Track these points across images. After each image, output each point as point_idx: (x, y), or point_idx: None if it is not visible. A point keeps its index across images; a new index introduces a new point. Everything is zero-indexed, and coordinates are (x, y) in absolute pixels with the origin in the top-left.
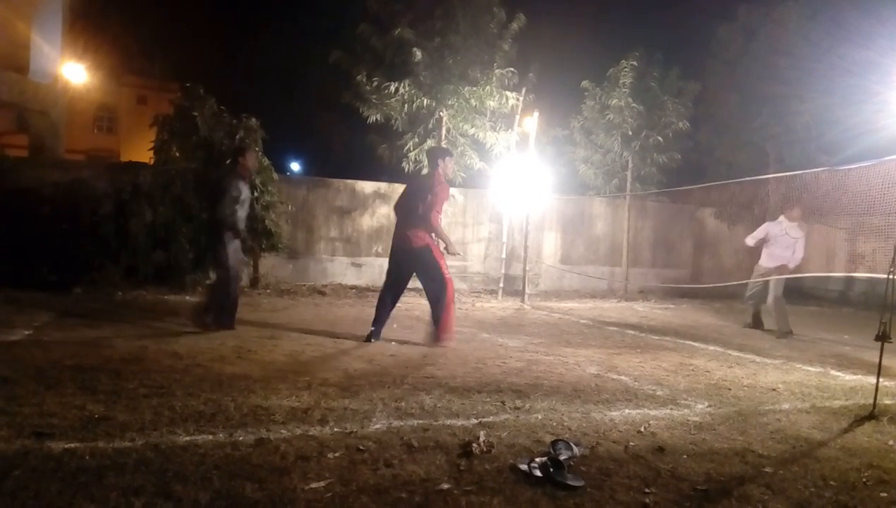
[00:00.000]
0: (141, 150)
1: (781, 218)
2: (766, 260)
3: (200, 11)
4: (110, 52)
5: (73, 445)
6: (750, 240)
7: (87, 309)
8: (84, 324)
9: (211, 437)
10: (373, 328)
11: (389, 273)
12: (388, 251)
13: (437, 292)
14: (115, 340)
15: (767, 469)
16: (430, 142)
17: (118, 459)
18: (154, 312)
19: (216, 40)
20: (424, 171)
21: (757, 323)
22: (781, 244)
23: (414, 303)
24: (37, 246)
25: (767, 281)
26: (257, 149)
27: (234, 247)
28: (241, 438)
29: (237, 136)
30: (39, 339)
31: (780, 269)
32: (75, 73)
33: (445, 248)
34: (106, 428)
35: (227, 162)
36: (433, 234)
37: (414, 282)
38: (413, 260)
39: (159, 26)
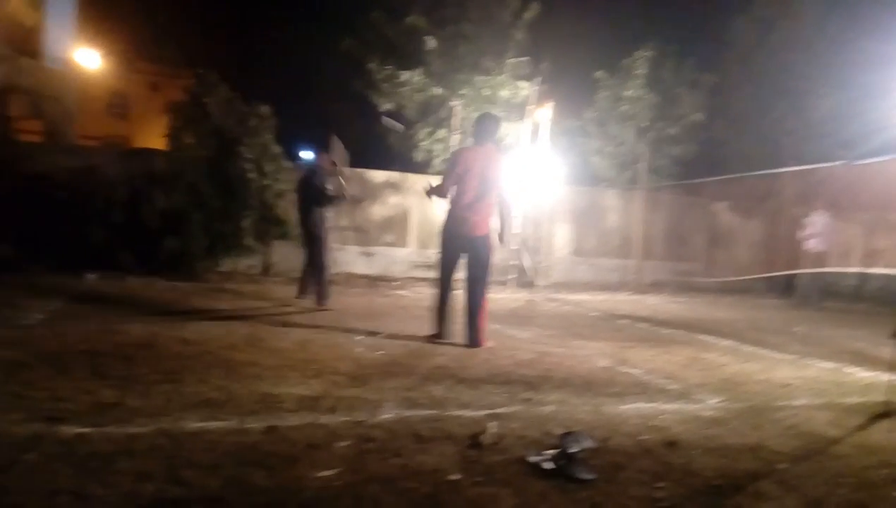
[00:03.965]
0: (153, 137)
1: (814, 212)
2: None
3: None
4: (123, 39)
5: (85, 430)
6: (804, 237)
7: (100, 294)
8: (97, 310)
9: (221, 424)
10: (438, 328)
11: (446, 263)
12: (406, 240)
13: (483, 289)
14: (128, 326)
15: (781, 466)
16: (441, 132)
17: (129, 444)
18: (166, 298)
19: (229, 28)
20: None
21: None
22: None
23: (424, 294)
24: (51, 231)
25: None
26: (269, 136)
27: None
28: (251, 425)
29: (249, 123)
30: (52, 324)
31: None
32: (88, 58)
33: (500, 236)
34: (117, 414)
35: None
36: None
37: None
38: (471, 249)
39: (172, 12)
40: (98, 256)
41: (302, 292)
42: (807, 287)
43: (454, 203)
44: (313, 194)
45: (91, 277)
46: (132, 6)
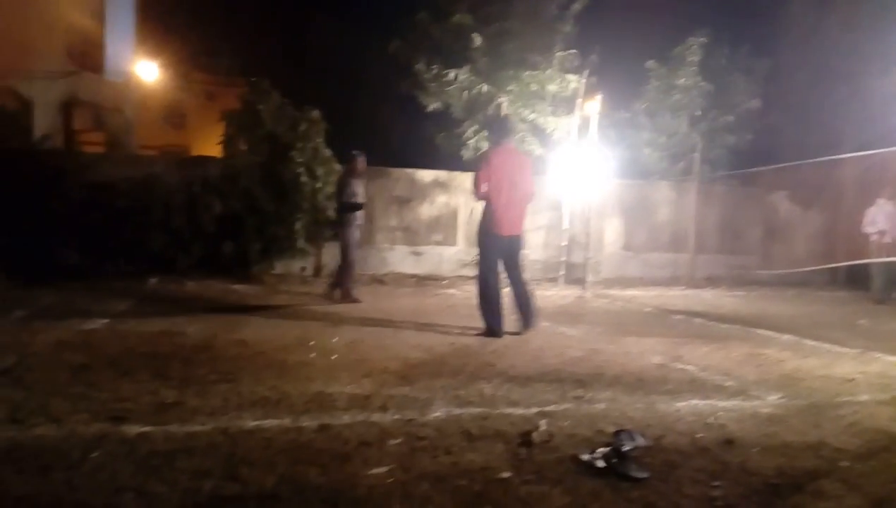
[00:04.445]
0: (210, 145)
1: (880, 200)
2: (879, 240)
3: (264, 7)
4: (179, 50)
5: (146, 429)
6: (869, 228)
7: (161, 297)
8: (157, 313)
9: (277, 422)
10: (492, 326)
11: (496, 261)
12: (455, 239)
13: (523, 277)
14: (187, 328)
15: (843, 464)
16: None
17: (188, 442)
18: (223, 301)
19: (280, 35)
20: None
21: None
22: (888, 221)
23: (473, 292)
24: (113, 237)
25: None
26: (319, 140)
27: (352, 230)
28: (304, 424)
29: (300, 128)
30: (115, 327)
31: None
32: (147, 71)
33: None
34: (177, 413)
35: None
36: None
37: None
38: (515, 246)
39: (225, 22)
40: (159, 261)
41: (332, 289)
42: (878, 279)
43: (491, 203)
44: (337, 198)
45: (153, 281)
46: (187, 18)
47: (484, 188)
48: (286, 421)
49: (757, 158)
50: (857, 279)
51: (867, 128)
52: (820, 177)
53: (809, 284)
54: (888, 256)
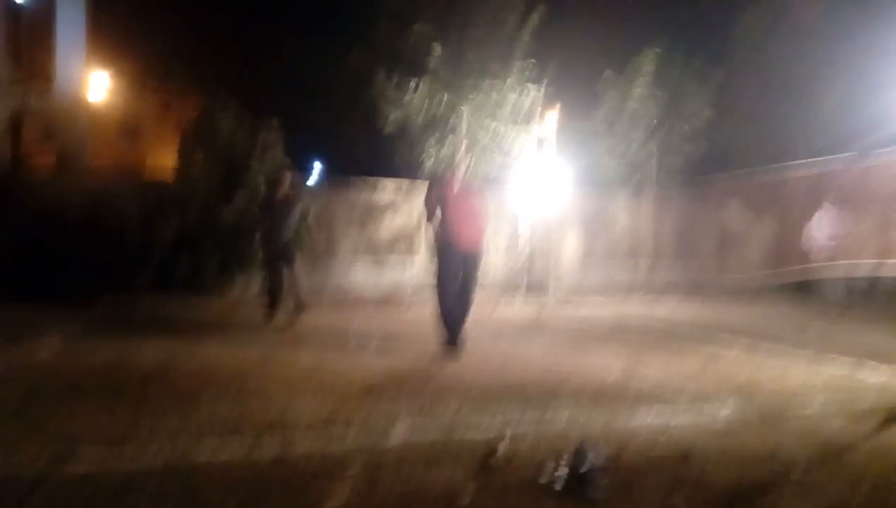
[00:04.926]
0: (166, 156)
1: (823, 206)
2: (821, 248)
3: (222, 17)
4: (134, 60)
5: (94, 463)
6: (813, 235)
7: (116, 317)
8: (111, 335)
9: (230, 455)
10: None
11: (453, 275)
12: (418, 248)
13: (472, 299)
14: (142, 349)
15: (796, 475)
16: (450, 139)
17: (139, 479)
18: (181, 318)
19: (238, 44)
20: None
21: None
22: (829, 228)
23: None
24: (65, 256)
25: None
26: (278, 149)
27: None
28: (261, 454)
29: (258, 138)
30: (68, 354)
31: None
32: (100, 81)
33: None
34: (127, 445)
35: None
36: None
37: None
38: (471, 263)
39: (181, 31)
40: (114, 278)
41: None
42: (829, 286)
43: (454, 220)
44: (278, 213)
45: (106, 304)
46: (142, 27)
47: (434, 211)
48: (242, 451)
49: (712, 167)
50: (809, 284)
51: (818, 135)
52: (773, 184)
53: (762, 291)
54: (835, 261)
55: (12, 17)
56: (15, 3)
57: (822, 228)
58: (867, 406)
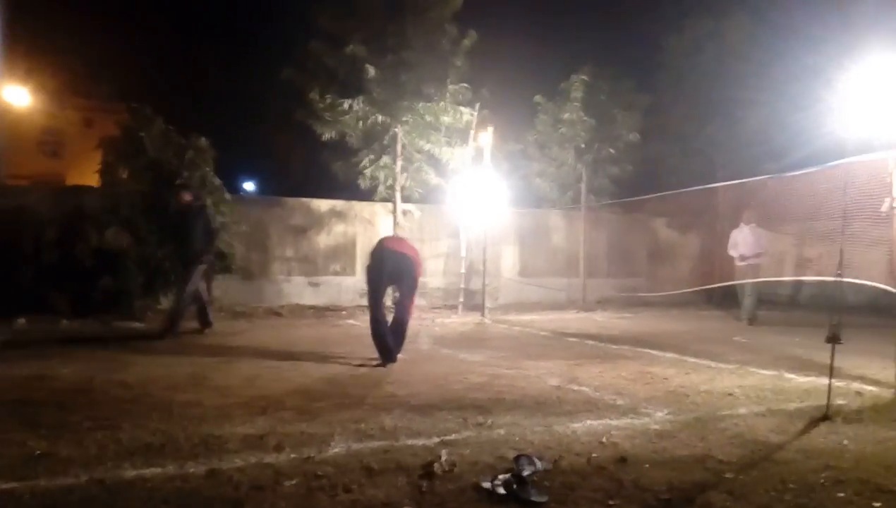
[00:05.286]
0: (88, 174)
1: (741, 224)
2: (739, 261)
3: (147, 31)
4: (54, 74)
5: (11, 485)
6: (731, 251)
7: (31, 339)
8: (27, 356)
9: (160, 470)
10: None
11: (375, 288)
12: (354, 269)
13: (409, 309)
14: (61, 371)
15: (728, 475)
16: (385, 159)
17: (61, 498)
18: (102, 340)
19: (164, 60)
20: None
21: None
22: (748, 245)
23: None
24: None
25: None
26: (207, 168)
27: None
28: (191, 470)
29: (186, 156)
30: None
31: (753, 267)
32: (17, 96)
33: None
34: (48, 465)
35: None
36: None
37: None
38: (400, 265)
39: (105, 46)
40: (29, 299)
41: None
42: (745, 299)
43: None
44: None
45: (21, 321)
46: (63, 40)
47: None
48: (171, 468)
49: (641, 186)
50: (732, 298)
51: (737, 156)
52: (697, 203)
53: (690, 304)
54: (751, 277)
55: None
56: None
57: (735, 246)
58: (794, 407)
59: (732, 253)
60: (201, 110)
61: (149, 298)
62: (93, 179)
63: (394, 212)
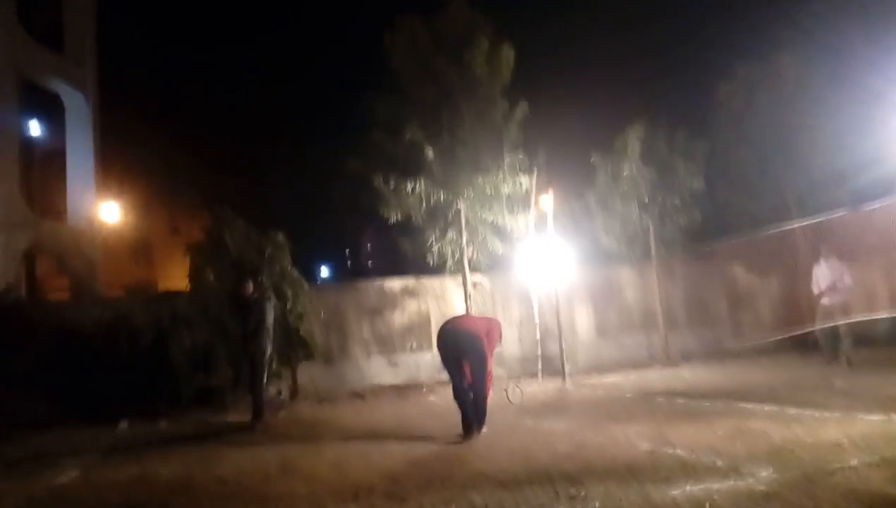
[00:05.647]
0: (177, 278)
1: (821, 260)
2: (825, 300)
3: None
4: (142, 187)
5: None
6: (815, 289)
7: (133, 441)
8: (130, 458)
9: None
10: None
11: (448, 365)
12: (430, 344)
13: (481, 384)
14: (162, 471)
15: None
16: (450, 234)
17: None
18: (198, 436)
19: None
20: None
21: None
22: (831, 280)
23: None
24: (81, 383)
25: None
26: (286, 261)
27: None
28: None
29: (266, 252)
30: (87, 479)
31: (841, 304)
32: (109, 211)
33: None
34: None
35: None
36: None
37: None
38: (464, 344)
39: (187, 157)
40: (129, 402)
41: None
42: (830, 339)
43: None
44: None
45: (124, 425)
46: (149, 155)
47: None
48: None
49: (711, 233)
50: (825, 340)
51: (810, 193)
52: (772, 244)
53: (781, 350)
54: (839, 315)
55: (25, 156)
56: (29, 138)
57: (817, 283)
58: None
59: (815, 289)
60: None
61: (239, 391)
62: (181, 283)
63: (464, 284)
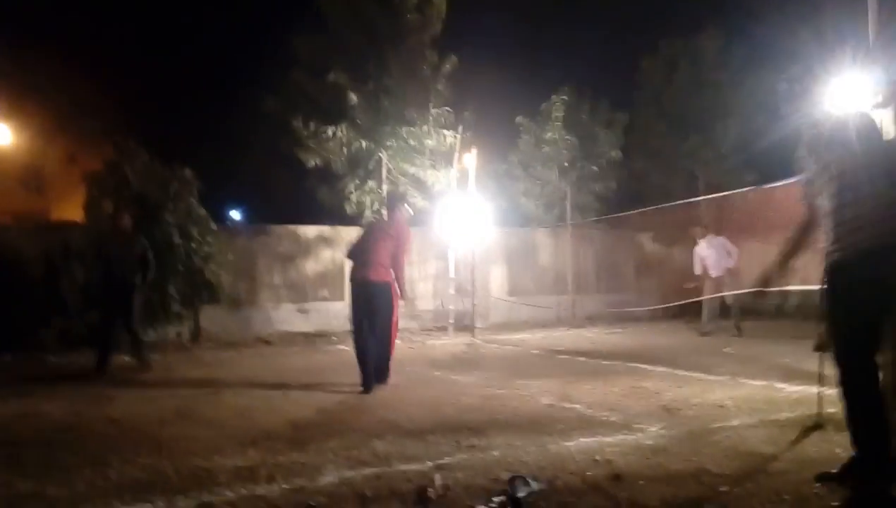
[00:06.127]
0: (72, 210)
1: (699, 241)
2: (713, 273)
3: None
4: (37, 111)
5: None
6: (697, 269)
7: (17, 377)
8: (13, 394)
9: (150, 506)
10: (363, 380)
11: (353, 315)
12: (342, 294)
13: (388, 332)
14: (47, 408)
15: (723, 489)
16: (370, 184)
17: None
18: (89, 376)
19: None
20: (369, 215)
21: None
22: (712, 258)
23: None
24: None
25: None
26: (192, 199)
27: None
28: (181, 504)
29: (171, 188)
30: None
31: (722, 277)
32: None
33: (400, 295)
34: (35, 505)
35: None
36: (395, 275)
37: None
38: (370, 294)
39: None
40: (14, 336)
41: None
42: (714, 310)
43: (353, 265)
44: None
45: (6, 358)
46: (46, 78)
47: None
48: (161, 504)
49: (625, 203)
50: (723, 309)
51: (717, 168)
52: (681, 217)
53: (681, 316)
54: (717, 289)
55: None
56: None
57: (707, 259)
58: (785, 417)
59: (696, 270)
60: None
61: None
62: (77, 214)
63: None
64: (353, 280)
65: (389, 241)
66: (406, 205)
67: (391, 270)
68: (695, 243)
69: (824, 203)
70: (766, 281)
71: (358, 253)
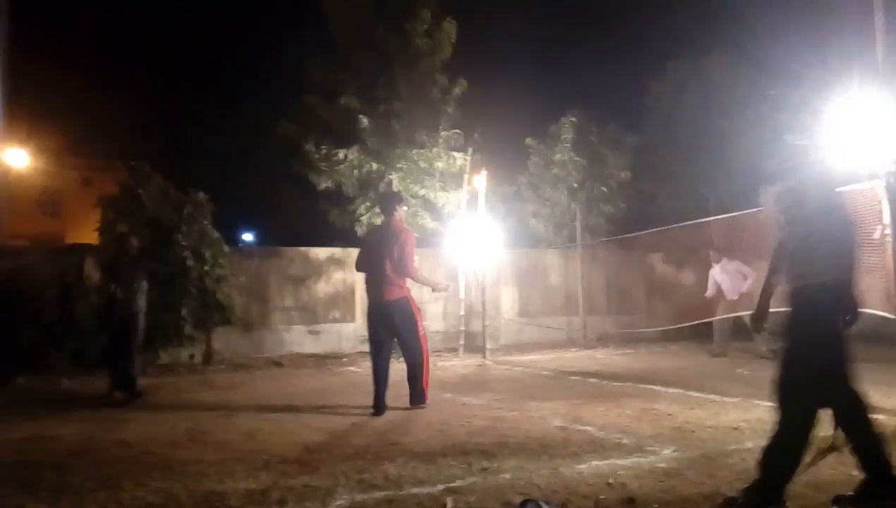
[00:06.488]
0: (87, 232)
1: (714, 265)
2: (730, 296)
3: (144, 90)
4: (53, 134)
5: None
6: (710, 292)
7: (31, 399)
8: (27, 417)
9: None
10: (374, 402)
11: (371, 335)
12: (354, 314)
13: (417, 348)
14: (61, 431)
15: None
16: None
17: None
18: (102, 398)
19: (162, 118)
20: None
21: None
22: (726, 282)
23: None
24: None
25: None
26: (205, 222)
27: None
28: None
29: (185, 211)
30: None
31: (739, 300)
32: (16, 157)
33: (433, 289)
34: None
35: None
36: (409, 283)
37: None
38: (389, 315)
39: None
40: (28, 358)
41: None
42: (725, 332)
43: (366, 279)
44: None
45: (20, 381)
46: (62, 102)
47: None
48: None
49: (635, 224)
50: (738, 331)
51: (726, 190)
52: (691, 237)
53: (693, 338)
54: (730, 312)
55: None
56: None
57: (722, 283)
58: None
59: (710, 292)
60: (199, 166)
61: (149, 354)
62: (91, 237)
63: None
64: (369, 300)
65: (393, 247)
66: (402, 204)
67: (404, 283)
68: (710, 265)
69: (787, 238)
70: (761, 314)
71: (366, 264)
